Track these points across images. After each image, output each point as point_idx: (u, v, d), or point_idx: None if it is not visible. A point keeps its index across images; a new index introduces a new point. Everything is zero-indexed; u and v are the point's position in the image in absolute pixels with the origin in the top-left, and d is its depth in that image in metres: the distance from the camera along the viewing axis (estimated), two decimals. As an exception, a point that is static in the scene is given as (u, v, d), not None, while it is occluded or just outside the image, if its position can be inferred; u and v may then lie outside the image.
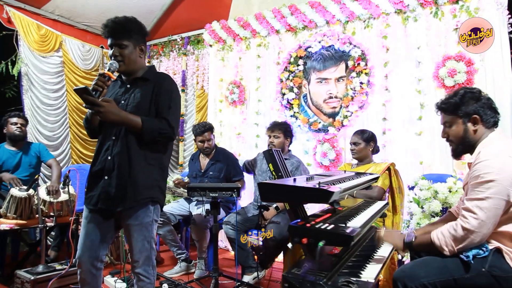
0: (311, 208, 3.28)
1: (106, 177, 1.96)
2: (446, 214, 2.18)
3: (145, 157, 1.98)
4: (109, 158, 1.97)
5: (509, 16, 3.20)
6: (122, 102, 2.03)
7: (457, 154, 1.90)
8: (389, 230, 1.86)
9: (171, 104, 2.01)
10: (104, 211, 1.99)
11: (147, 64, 2.19)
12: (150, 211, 2.00)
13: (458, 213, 2.05)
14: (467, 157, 1.90)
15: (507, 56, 3.20)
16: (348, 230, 1.52)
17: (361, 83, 3.76)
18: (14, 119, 3.61)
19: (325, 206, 2.18)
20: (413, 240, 1.76)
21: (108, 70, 1.92)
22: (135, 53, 2.04)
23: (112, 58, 2.00)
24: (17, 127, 3.59)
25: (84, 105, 1.83)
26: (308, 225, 1.59)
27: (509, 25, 3.21)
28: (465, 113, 1.78)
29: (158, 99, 2.00)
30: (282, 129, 3.42)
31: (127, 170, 1.94)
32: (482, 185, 1.59)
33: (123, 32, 1.98)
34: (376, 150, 3.20)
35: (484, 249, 1.60)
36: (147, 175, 1.98)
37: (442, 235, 1.65)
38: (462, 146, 1.84)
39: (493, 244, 1.66)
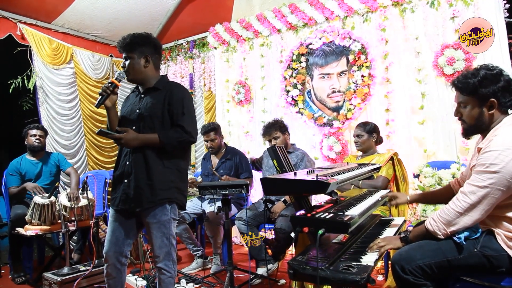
0: (320, 200, 3.38)
1: (125, 180, 2.16)
2: (446, 186, 2.22)
3: (162, 161, 2.14)
4: (127, 163, 2.16)
5: (505, 1, 3.24)
6: (137, 111, 2.21)
7: (468, 134, 1.85)
8: (384, 237, 1.94)
9: (184, 110, 2.16)
10: (125, 211, 2.18)
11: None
12: (167, 210, 2.15)
13: (456, 187, 2.11)
14: (472, 140, 1.92)
15: (504, 42, 3.23)
16: (345, 218, 1.63)
17: (363, 76, 3.84)
18: (33, 131, 3.79)
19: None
20: (408, 234, 1.82)
21: (115, 79, 2.17)
22: (139, 63, 2.20)
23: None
24: (36, 139, 3.77)
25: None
26: (308, 215, 1.71)
27: (505, 10, 3.26)
28: (482, 96, 1.69)
29: (171, 108, 2.16)
30: (277, 128, 3.48)
31: (144, 173, 2.12)
32: (485, 174, 1.59)
33: (126, 45, 2.19)
34: (379, 141, 3.28)
35: (475, 230, 1.67)
36: (164, 177, 2.14)
37: (434, 221, 1.70)
38: (474, 128, 1.79)
39: (486, 226, 1.72)
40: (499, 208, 1.67)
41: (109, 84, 2.14)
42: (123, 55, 2.22)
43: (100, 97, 2.13)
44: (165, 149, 2.11)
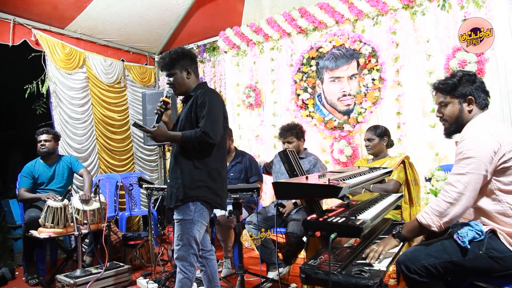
0: (332, 204, 3.37)
1: (168, 180, 2.37)
2: None
3: (192, 161, 2.28)
4: (170, 163, 2.40)
5: (518, 2, 3.21)
6: (178, 117, 2.45)
7: (449, 133, 1.99)
8: (378, 242, 1.94)
9: (205, 113, 2.26)
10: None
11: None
12: (191, 210, 2.24)
13: None
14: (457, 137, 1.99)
15: (518, 43, 3.21)
16: (358, 222, 1.63)
17: (373, 79, 3.82)
18: (41, 137, 3.80)
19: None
20: (401, 230, 1.85)
21: (165, 97, 2.43)
22: (182, 76, 2.40)
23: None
24: (41, 145, 3.79)
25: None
26: (320, 219, 1.71)
27: (518, 12, 3.22)
28: (461, 94, 1.87)
29: (197, 112, 2.30)
30: (294, 134, 3.46)
31: (176, 173, 2.30)
32: (463, 161, 1.70)
33: (167, 64, 2.40)
34: (390, 144, 3.27)
35: (479, 233, 1.68)
36: (193, 177, 2.27)
37: (426, 213, 1.74)
38: (455, 126, 1.93)
39: (488, 226, 1.74)
40: (493, 201, 1.72)
41: (161, 103, 2.40)
42: (165, 73, 2.43)
43: (157, 116, 2.39)
44: (185, 147, 2.25)
